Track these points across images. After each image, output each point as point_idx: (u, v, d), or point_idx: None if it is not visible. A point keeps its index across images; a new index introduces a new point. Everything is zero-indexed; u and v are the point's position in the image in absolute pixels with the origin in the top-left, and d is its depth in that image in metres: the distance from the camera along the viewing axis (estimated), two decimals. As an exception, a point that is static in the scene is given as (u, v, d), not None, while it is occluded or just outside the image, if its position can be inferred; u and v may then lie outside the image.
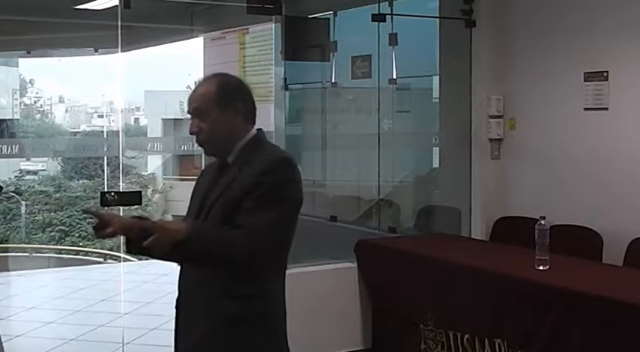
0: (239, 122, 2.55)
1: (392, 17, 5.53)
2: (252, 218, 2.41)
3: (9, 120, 16.60)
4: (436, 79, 6.32)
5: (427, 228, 6.20)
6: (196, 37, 6.99)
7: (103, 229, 2.40)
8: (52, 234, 15.27)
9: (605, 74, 4.89)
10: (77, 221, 15.41)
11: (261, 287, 2.51)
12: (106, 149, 5.75)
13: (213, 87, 2.54)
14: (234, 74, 2.67)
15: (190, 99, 2.57)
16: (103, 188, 11.65)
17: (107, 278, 8.44)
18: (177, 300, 2.64)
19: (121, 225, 2.42)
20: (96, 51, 9.28)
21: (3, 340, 5.08)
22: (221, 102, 2.52)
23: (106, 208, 4.89)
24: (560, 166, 5.23)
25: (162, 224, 2.40)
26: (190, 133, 2.55)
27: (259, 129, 2.62)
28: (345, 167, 7.05)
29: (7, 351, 5.25)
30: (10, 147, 4.94)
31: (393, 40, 5.72)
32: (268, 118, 5.71)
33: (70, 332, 6.20)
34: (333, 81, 6.52)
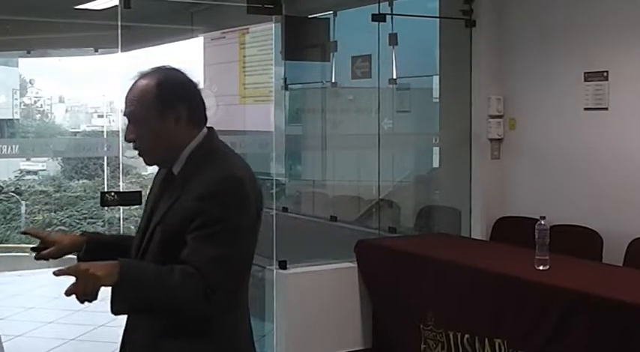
0: (182, 129, 2.18)
1: (392, 17, 5.53)
2: (199, 254, 2.05)
3: (9, 120, 16.60)
4: (436, 79, 6.33)
5: (427, 228, 6.20)
6: (196, 37, 6.98)
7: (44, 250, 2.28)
8: (53, 234, 15.25)
9: (605, 74, 4.89)
10: (77, 221, 15.40)
11: (215, 322, 2.14)
12: (106, 149, 5.75)
13: (152, 87, 2.16)
14: (179, 68, 2.26)
15: (126, 100, 2.20)
16: (103, 188, 11.65)
17: (107, 278, 8.42)
18: (125, 329, 2.32)
19: (59, 249, 2.30)
20: (96, 51, 9.27)
21: (3, 340, 5.08)
22: (160, 107, 2.15)
23: (106, 208, 4.89)
24: (560, 166, 5.23)
25: (85, 268, 2.01)
26: (126, 140, 2.21)
27: (210, 129, 2.25)
28: (345, 167, 7.05)
29: (7, 351, 5.26)
30: (10, 147, 4.93)
31: (393, 40, 5.73)
32: (268, 118, 5.71)
33: (70, 332, 6.20)
34: (333, 81, 6.52)
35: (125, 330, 2.31)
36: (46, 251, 2.31)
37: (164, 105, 2.16)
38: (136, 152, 2.26)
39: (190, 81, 2.24)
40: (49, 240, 2.34)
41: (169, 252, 2.11)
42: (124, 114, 2.21)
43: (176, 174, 2.21)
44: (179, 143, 2.19)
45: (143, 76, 2.21)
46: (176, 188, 2.18)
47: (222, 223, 2.08)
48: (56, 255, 2.33)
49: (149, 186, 2.43)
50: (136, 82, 2.21)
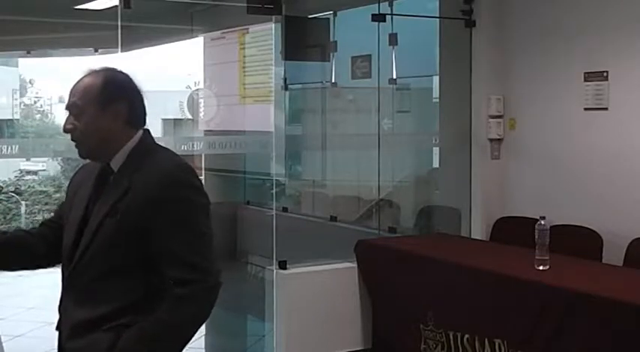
0: (118, 126, 2.24)
1: (392, 17, 5.53)
2: (185, 245, 2.15)
3: (9, 120, 16.59)
4: (436, 79, 6.32)
5: (427, 228, 6.21)
6: (196, 37, 6.99)
7: None
8: (52, 234, 15.25)
9: (605, 74, 4.89)
10: (77, 221, 15.40)
11: (155, 300, 2.18)
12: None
13: (97, 82, 2.24)
14: (124, 71, 2.33)
15: (70, 93, 2.27)
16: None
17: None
18: (58, 325, 2.36)
19: None
20: (96, 51, 9.26)
21: (3, 340, 5.08)
22: (101, 102, 2.22)
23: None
24: (560, 166, 5.23)
25: None
26: (64, 131, 2.27)
27: (146, 130, 2.32)
28: (345, 167, 7.06)
29: (7, 351, 5.25)
30: (10, 147, 4.93)
31: (393, 40, 5.72)
32: (268, 118, 5.71)
33: (70, 332, 6.19)
34: (333, 81, 6.52)
35: (59, 324, 2.34)
36: None
37: (105, 100, 2.22)
38: None
39: (136, 85, 2.31)
40: None
41: (123, 241, 2.17)
42: (66, 106, 2.27)
43: (116, 170, 2.26)
44: (115, 139, 2.25)
45: (92, 72, 2.28)
46: (121, 181, 2.22)
47: (191, 204, 2.19)
48: None
49: (69, 181, 2.46)
50: (83, 77, 2.28)
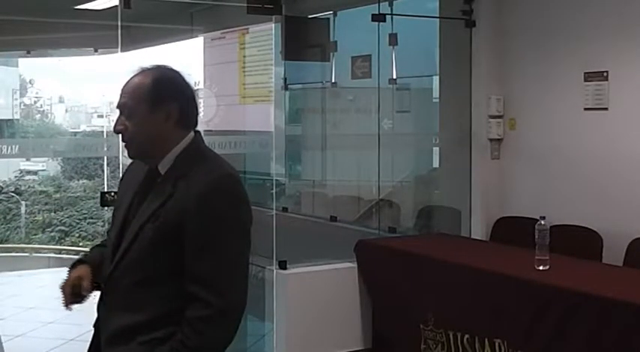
0: (170, 128, 2.20)
1: (392, 17, 5.53)
2: (208, 263, 2.10)
3: (9, 120, 16.62)
4: (436, 79, 6.33)
5: (427, 228, 6.20)
6: (196, 37, 6.99)
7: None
8: (52, 234, 15.27)
9: (605, 74, 4.89)
10: (77, 221, 15.41)
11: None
12: (106, 149, 5.75)
13: (146, 82, 2.20)
14: (179, 70, 2.29)
15: (121, 92, 2.23)
16: (103, 188, 11.65)
17: (107, 278, 8.41)
18: (96, 323, 2.32)
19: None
20: (96, 51, 9.27)
21: (3, 340, 5.09)
22: (152, 102, 2.18)
23: (106, 208, 4.86)
24: (560, 166, 5.23)
25: None
26: (114, 131, 2.23)
27: (197, 133, 2.27)
28: (345, 167, 7.05)
29: (7, 351, 5.26)
30: (10, 147, 4.94)
31: (393, 40, 5.73)
32: (268, 118, 5.71)
33: (70, 332, 6.20)
34: (333, 81, 6.53)
35: (97, 326, 2.31)
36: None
37: (156, 100, 2.18)
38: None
39: (187, 84, 2.26)
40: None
41: (160, 249, 2.14)
42: (117, 106, 2.24)
43: (163, 173, 2.22)
44: (166, 141, 2.21)
45: (142, 71, 2.24)
46: (166, 186, 2.18)
47: (227, 220, 2.12)
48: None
49: (120, 180, 2.44)
50: (133, 76, 2.24)
